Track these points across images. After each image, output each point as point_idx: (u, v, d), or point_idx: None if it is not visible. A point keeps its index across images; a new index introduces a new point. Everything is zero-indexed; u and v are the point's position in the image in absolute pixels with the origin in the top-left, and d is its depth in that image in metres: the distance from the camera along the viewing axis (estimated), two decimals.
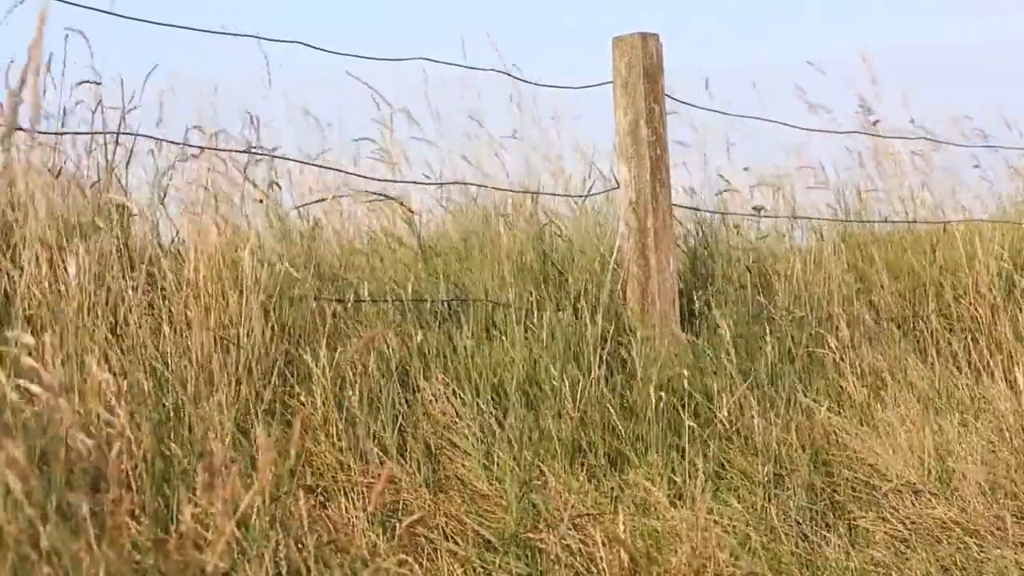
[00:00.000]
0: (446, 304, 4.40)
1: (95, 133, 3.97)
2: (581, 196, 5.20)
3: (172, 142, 4.11)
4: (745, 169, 5.72)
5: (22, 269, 3.51)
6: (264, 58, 4.27)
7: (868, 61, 6.20)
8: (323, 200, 4.64)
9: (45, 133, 3.87)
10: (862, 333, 5.19)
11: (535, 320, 4.36)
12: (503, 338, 4.26)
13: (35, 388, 2.61)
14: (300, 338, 3.92)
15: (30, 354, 2.72)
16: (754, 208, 5.59)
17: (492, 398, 4.07)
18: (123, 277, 3.66)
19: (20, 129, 3.82)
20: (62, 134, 3.93)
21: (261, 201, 4.21)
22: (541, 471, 3.91)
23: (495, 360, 4.16)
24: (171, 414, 3.43)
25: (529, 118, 5.28)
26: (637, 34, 4.85)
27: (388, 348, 4.02)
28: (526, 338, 4.27)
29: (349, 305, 4.15)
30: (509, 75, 5.06)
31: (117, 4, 3.91)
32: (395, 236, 4.76)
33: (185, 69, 4.30)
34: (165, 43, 4.05)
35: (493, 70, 4.97)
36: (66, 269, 3.55)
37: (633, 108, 4.83)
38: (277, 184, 4.39)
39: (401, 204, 4.76)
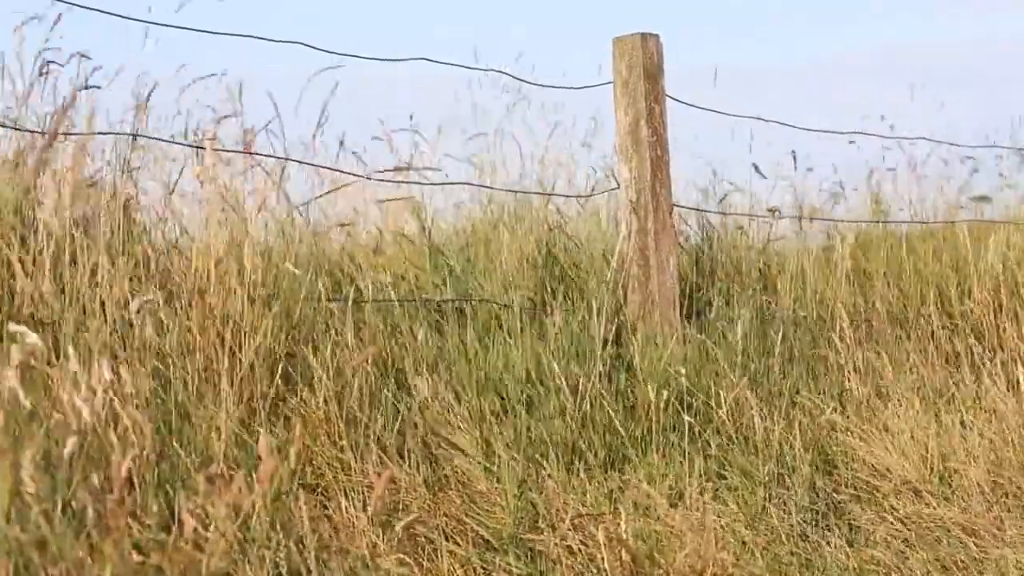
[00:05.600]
0: (450, 303, 4.40)
1: (102, 133, 3.99)
2: (582, 196, 5.20)
3: (178, 143, 4.13)
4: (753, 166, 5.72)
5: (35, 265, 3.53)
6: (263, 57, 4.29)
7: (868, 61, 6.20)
8: (331, 191, 4.62)
9: (43, 133, 3.88)
10: (865, 333, 5.19)
11: (538, 319, 4.36)
12: (506, 337, 4.27)
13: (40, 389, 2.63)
14: (303, 336, 3.92)
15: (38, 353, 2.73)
16: (769, 209, 5.59)
17: (493, 398, 4.08)
18: (129, 275, 3.68)
19: (30, 131, 3.85)
20: (71, 135, 3.94)
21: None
22: (540, 470, 3.92)
23: (496, 359, 4.17)
24: (174, 414, 3.44)
25: (529, 118, 5.30)
26: (637, 34, 4.85)
27: (387, 349, 4.03)
28: (531, 336, 4.28)
29: (350, 304, 4.16)
30: (509, 75, 5.07)
31: (117, 4, 3.93)
32: (401, 233, 4.77)
33: (185, 69, 4.32)
34: (164, 43, 4.06)
35: (493, 70, 4.98)
36: (73, 264, 3.57)
37: (633, 108, 4.84)
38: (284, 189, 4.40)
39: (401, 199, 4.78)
